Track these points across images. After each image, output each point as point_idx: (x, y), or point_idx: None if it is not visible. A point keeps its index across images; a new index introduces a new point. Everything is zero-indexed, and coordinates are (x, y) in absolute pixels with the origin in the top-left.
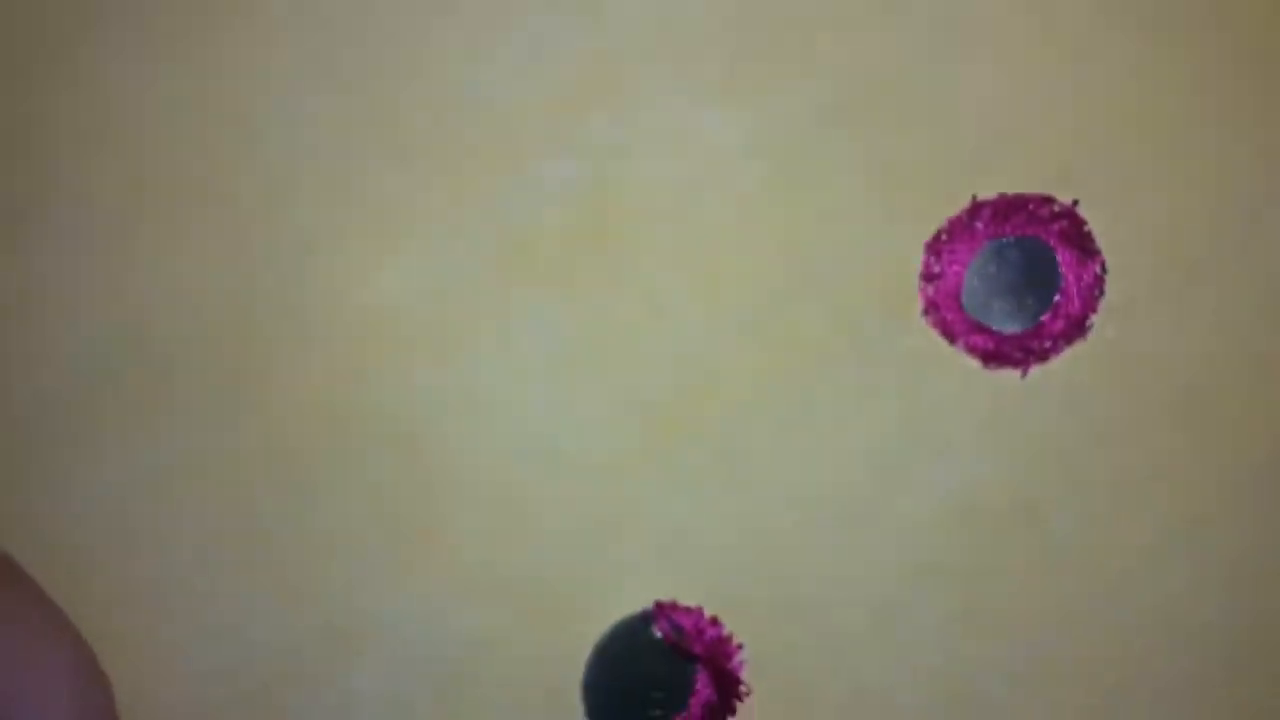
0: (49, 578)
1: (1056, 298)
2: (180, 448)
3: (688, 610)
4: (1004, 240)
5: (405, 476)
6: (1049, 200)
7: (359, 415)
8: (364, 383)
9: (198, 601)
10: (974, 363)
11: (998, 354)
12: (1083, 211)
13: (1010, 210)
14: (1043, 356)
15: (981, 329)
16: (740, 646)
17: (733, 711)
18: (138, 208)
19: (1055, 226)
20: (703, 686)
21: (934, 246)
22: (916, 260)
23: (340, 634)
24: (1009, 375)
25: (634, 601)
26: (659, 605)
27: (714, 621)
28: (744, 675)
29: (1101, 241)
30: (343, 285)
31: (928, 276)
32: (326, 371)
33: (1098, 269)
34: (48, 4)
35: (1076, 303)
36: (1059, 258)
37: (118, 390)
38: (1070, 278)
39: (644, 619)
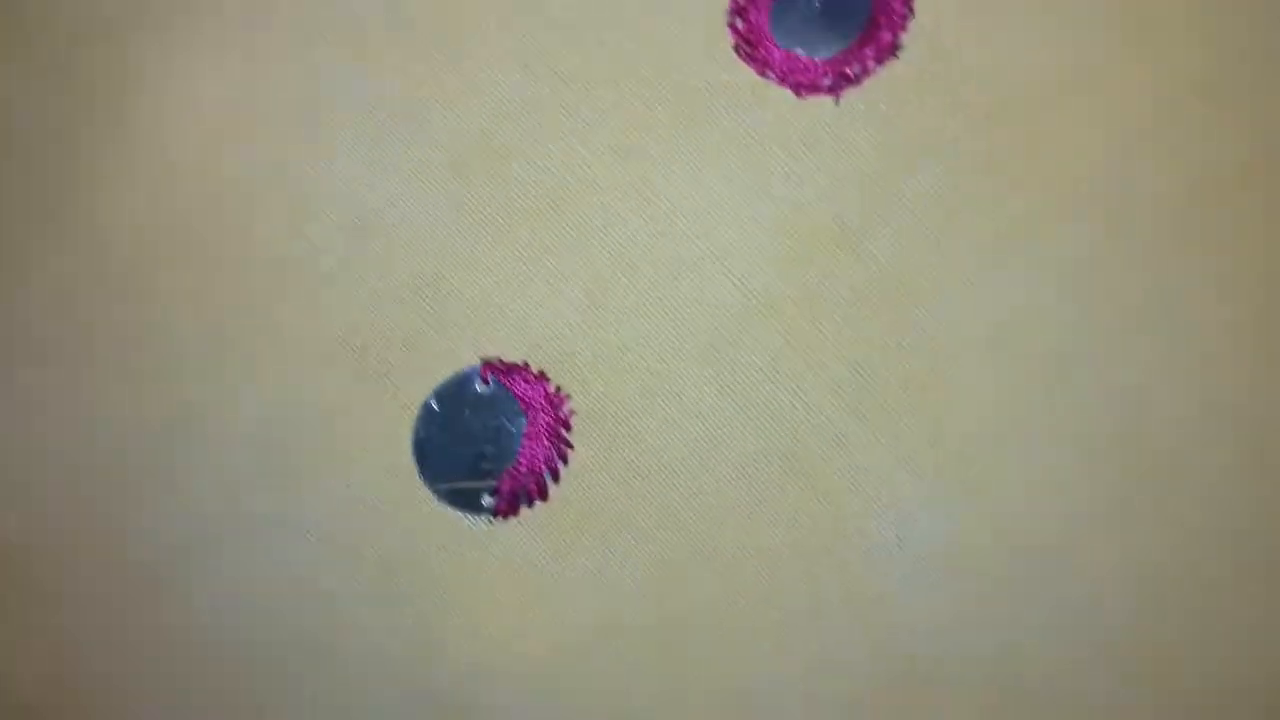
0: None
1: (866, 20)
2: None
3: (512, 366)
4: None
5: (230, 249)
6: None
7: (182, 192)
8: (187, 160)
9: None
10: (788, 93)
11: (811, 83)
12: None
13: None
14: (856, 81)
15: (793, 58)
16: (567, 397)
17: (563, 460)
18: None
19: None
20: (531, 440)
21: None
22: None
23: (181, 423)
24: (823, 102)
25: (458, 360)
26: (485, 362)
27: (540, 376)
28: (573, 425)
29: None
30: (159, 77)
31: (735, 10)
32: (147, 155)
33: None
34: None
35: (885, 25)
36: None
37: None
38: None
39: (470, 375)
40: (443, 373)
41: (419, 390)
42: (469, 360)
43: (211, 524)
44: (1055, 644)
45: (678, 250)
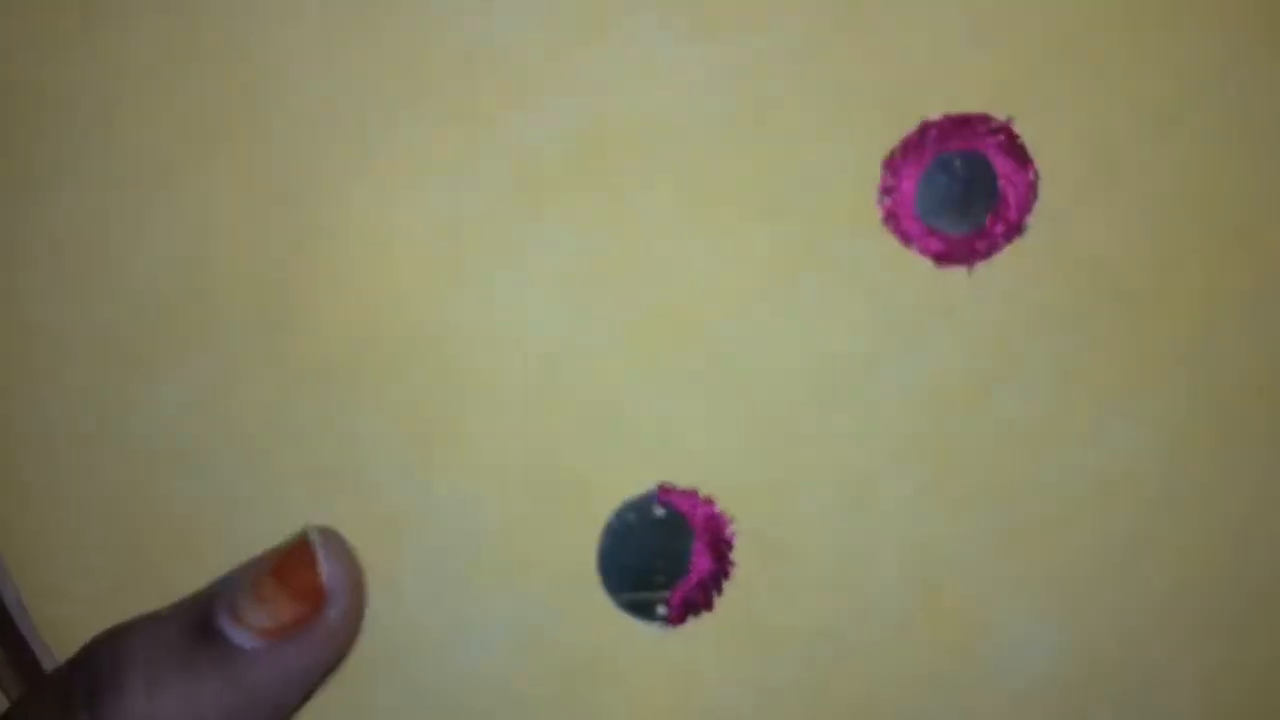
0: (96, 502)
1: (997, 202)
2: (228, 370)
3: (684, 491)
4: (949, 154)
5: (431, 385)
6: (986, 118)
7: (388, 333)
8: (392, 307)
9: (241, 507)
10: (927, 263)
11: (947, 254)
12: (1016, 126)
13: (953, 128)
14: (987, 254)
15: (933, 233)
16: (731, 520)
17: (726, 576)
18: (178, 155)
19: (993, 140)
20: (699, 557)
21: (889, 163)
22: (875, 176)
23: (377, 529)
24: (958, 273)
25: (638, 486)
26: (660, 486)
27: (708, 500)
28: (735, 546)
29: (1035, 152)
30: (370, 219)
31: (885, 190)
32: (358, 298)
33: (1031, 176)
34: None
35: (1014, 207)
36: (997, 168)
37: (170, 322)
38: (1008, 184)
39: (647, 500)
40: (623, 495)
41: (602, 510)
42: (646, 485)
43: (414, 625)
44: None
45: (824, 396)
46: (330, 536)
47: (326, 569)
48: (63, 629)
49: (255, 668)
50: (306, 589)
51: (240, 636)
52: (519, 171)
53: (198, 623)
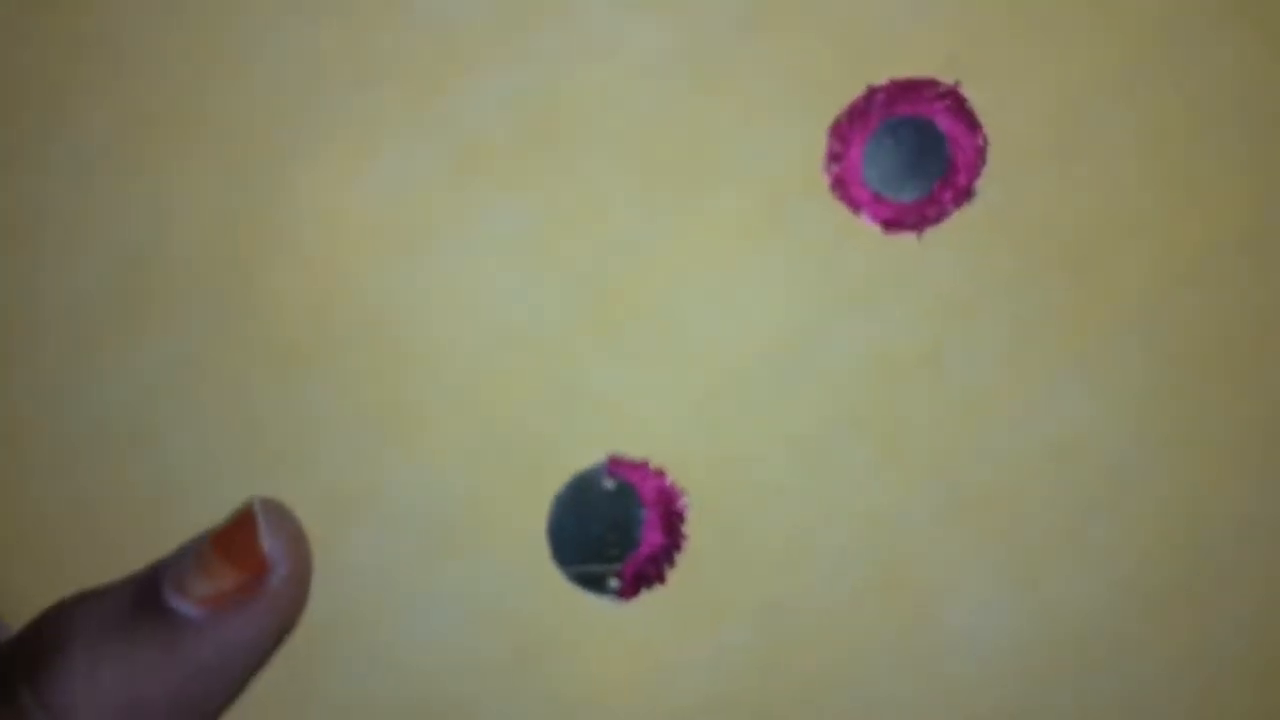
0: (55, 483)
1: (945, 168)
2: (179, 352)
3: (634, 463)
4: (896, 120)
5: (385, 361)
6: (933, 82)
7: (341, 310)
8: (343, 281)
9: (199, 488)
10: (876, 229)
11: (896, 220)
12: (965, 90)
13: (900, 93)
14: (936, 221)
15: (881, 200)
16: (683, 493)
17: (678, 549)
18: (131, 139)
19: (940, 105)
20: (650, 530)
21: (836, 130)
22: (823, 144)
23: (333, 505)
24: (907, 239)
25: (588, 458)
26: (611, 458)
27: (659, 472)
28: (687, 518)
29: (984, 117)
30: (320, 196)
31: (832, 157)
32: (309, 274)
33: (980, 141)
34: None
35: (962, 172)
36: (945, 132)
37: (119, 307)
38: (956, 149)
39: (596, 471)
40: (574, 467)
41: (553, 482)
42: (597, 457)
43: (371, 597)
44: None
45: (776, 365)
46: (272, 506)
47: (268, 538)
48: (23, 609)
49: (198, 638)
50: (248, 558)
51: (183, 606)
52: (468, 145)
53: (142, 595)
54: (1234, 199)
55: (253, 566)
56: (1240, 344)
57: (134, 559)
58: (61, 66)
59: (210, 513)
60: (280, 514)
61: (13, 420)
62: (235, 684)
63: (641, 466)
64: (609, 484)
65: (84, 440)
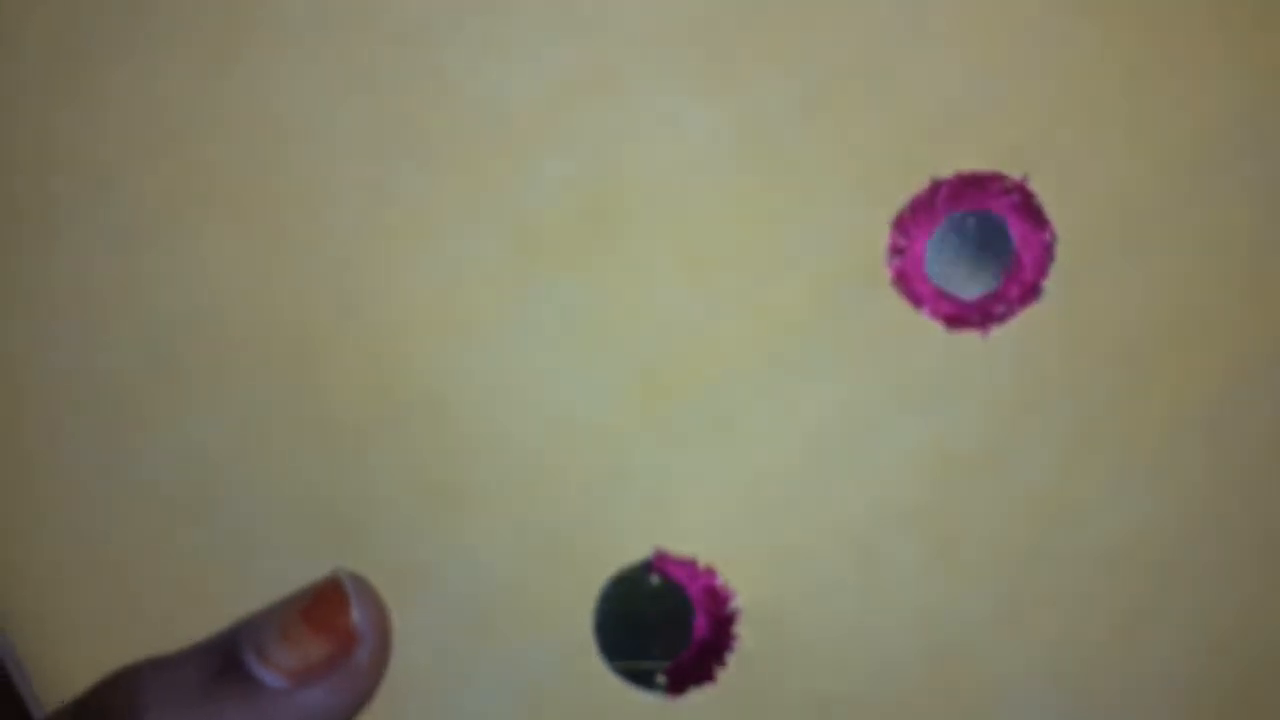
0: (101, 552)
1: (1011, 264)
2: (235, 425)
3: (681, 560)
4: (961, 215)
5: (440, 442)
6: (1000, 176)
7: (398, 390)
8: (400, 362)
9: (247, 561)
10: (939, 326)
11: (960, 317)
12: (1032, 185)
13: (965, 187)
14: (1001, 318)
15: (945, 296)
16: (733, 594)
17: (727, 649)
18: (182, 209)
19: (1007, 200)
20: (699, 629)
21: (899, 223)
22: (884, 236)
23: (382, 584)
24: (971, 336)
25: (636, 547)
26: (656, 554)
27: (708, 570)
28: (738, 620)
29: (1051, 213)
30: (375, 277)
31: (895, 250)
32: (366, 354)
33: (1048, 237)
34: (81, 19)
35: (1029, 269)
36: (1011, 228)
37: (178, 373)
38: (1022, 246)
39: (645, 567)
40: (621, 556)
41: (600, 570)
42: (644, 547)
43: (419, 678)
44: None
45: (829, 462)
46: (360, 580)
47: (357, 611)
48: (68, 681)
49: (281, 708)
50: (337, 630)
51: (268, 675)
52: (522, 228)
53: (221, 662)
54: None
55: (341, 638)
56: None
57: (183, 630)
58: (115, 134)
59: (257, 582)
60: (366, 588)
61: (61, 490)
62: None
63: (690, 565)
64: (655, 581)
65: (136, 508)
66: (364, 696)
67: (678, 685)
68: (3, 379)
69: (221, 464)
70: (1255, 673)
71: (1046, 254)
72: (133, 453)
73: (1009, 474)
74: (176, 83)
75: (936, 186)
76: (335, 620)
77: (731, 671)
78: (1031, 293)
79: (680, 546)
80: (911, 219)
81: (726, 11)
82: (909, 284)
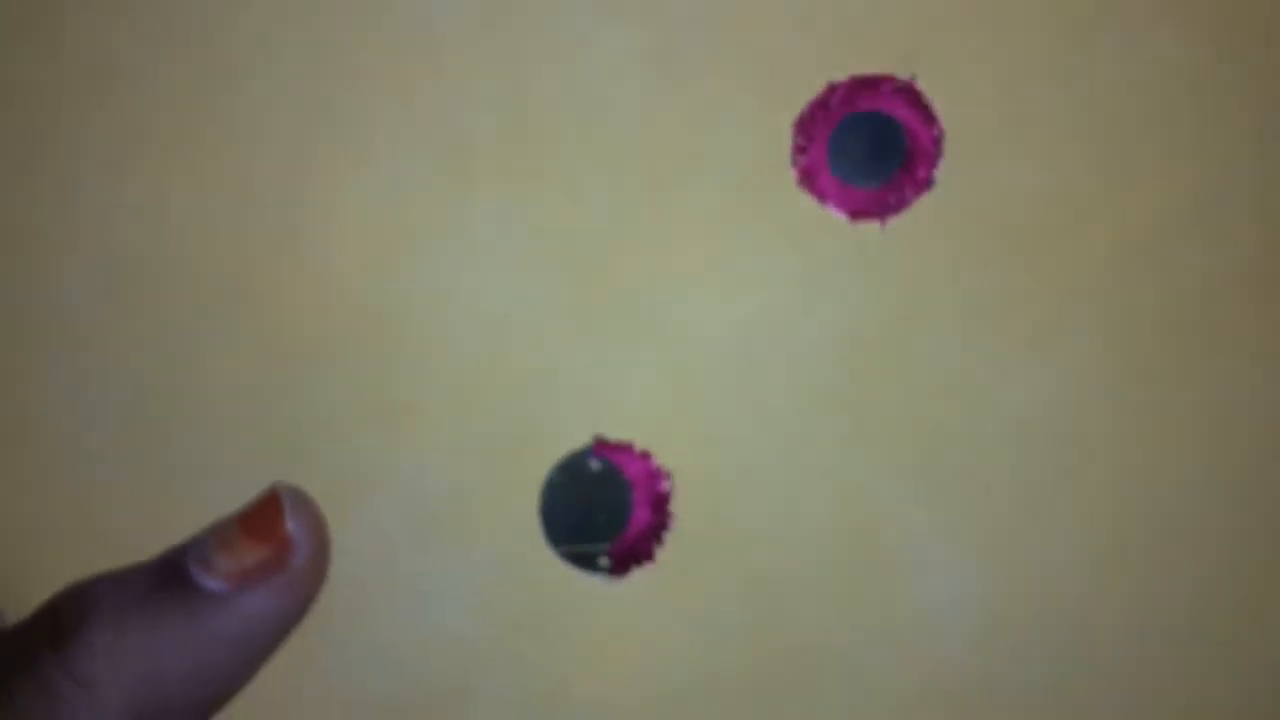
0: (60, 481)
1: (905, 158)
2: (185, 351)
3: (619, 444)
4: (856, 114)
5: (385, 355)
6: (890, 78)
7: (337, 308)
8: (339, 280)
9: (203, 482)
10: (843, 218)
11: (862, 210)
12: (919, 85)
13: (859, 88)
14: (898, 209)
15: (846, 190)
16: (668, 474)
17: (665, 528)
18: (129, 149)
19: (898, 99)
20: (638, 509)
21: (800, 125)
22: (789, 138)
23: (334, 496)
24: (872, 226)
25: (576, 440)
26: (596, 441)
27: (644, 453)
28: (673, 499)
29: (939, 109)
30: (321, 199)
31: (798, 150)
32: (312, 273)
33: (936, 132)
34: None
35: (921, 162)
36: (903, 125)
37: (132, 308)
38: (915, 141)
39: (583, 454)
40: (561, 451)
41: (541, 467)
42: (582, 440)
43: (371, 584)
44: (1078, 681)
45: (752, 349)
46: (294, 491)
47: (292, 519)
48: (29, 602)
49: (221, 611)
50: (272, 537)
51: (208, 580)
52: (452, 147)
53: (166, 572)
54: (1179, 178)
55: (276, 545)
56: (1190, 316)
57: (142, 549)
58: (59, 82)
59: (213, 505)
60: (302, 498)
61: (18, 421)
62: (254, 659)
63: (627, 448)
64: (596, 465)
65: (89, 439)
66: (302, 602)
67: (621, 566)
68: None
69: (172, 392)
70: (1159, 531)
71: (936, 148)
72: (91, 385)
73: (913, 355)
74: (120, 24)
75: (832, 89)
76: (271, 528)
77: (669, 550)
78: (924, 184)
79: (617, 436)
80: (811, 120)
81: None
82: (813, 182)
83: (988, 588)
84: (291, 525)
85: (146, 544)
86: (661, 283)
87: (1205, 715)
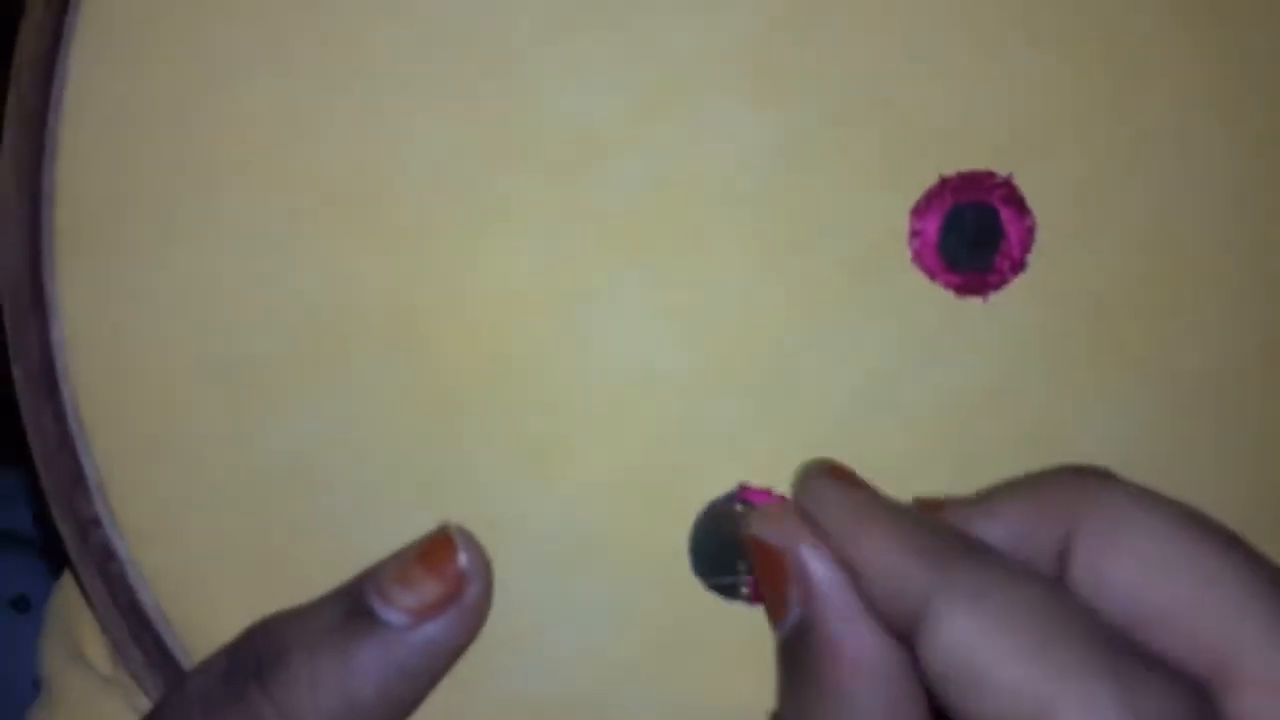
0: (240, 515)
1: (1002, 243)
2: (356, 398)
3: (760, 489)
4: (963, 204)
5: (538, 412)
6: (991, 174)
7: (500, 368)
8: (501, 342)
9: (371, 524)
10: (949, 294)
11: (965, 287)
12: (1016, 181)
13: (965, 183)
14: (997, 287)
15: (952, 269)
16: None
17: None
18: (311, 204)
19: (997, 192)
20: None
21: (915, 212)
22: (904, 223)
23: (492, 535)
24: (975, 301)
25: (718, 488)
26: (740, 486)
27: (780, 497)
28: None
29: (1032, 201)
30: (481, 265)
31: (913, 234)
32: (472, 335)
33: (1029, 222)
34: (216, 31)
35: (1016, 247)
36: (1002, 215)
37: (301, 356)
38: (1011, 229)
39: (730, 497)
40: (705, 495)
41: (688, 508)
42: (725, 486)
43: (524, 612)
44: None
45: (869, 405)
46: (464, 530)
47: (464, 555)
48: (202, 636)
49: (405, 643)
50: (447, 572)
51: (391, 615)
52: (604, 222)
53: (350, 606)
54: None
55: (452, 580)
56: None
57: (308, 589)
58: (229, 141)
59: (379, 543)
60: (470, 536)
61: (196, 461)
62: (430, 685)
63: (765, 492)
64: (739, 507)
65: (262, 480)
66: (474, 632)
67: (758, 594)
68: (149, 364)
69: (341, 437)
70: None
71: (1029, 235)
72: (260, 429)
73: (1011, 412)
74: (293, 88)
75: (944, 182)
76: (446, 564)
77: None
78: (1019, 266)
79: (755, 480)
80: (925, 208)
81: (774, 35)
82: (924, 261)
83: None
84: (464, 560)
85: (312, 583)
86: (794, 345)
87: None
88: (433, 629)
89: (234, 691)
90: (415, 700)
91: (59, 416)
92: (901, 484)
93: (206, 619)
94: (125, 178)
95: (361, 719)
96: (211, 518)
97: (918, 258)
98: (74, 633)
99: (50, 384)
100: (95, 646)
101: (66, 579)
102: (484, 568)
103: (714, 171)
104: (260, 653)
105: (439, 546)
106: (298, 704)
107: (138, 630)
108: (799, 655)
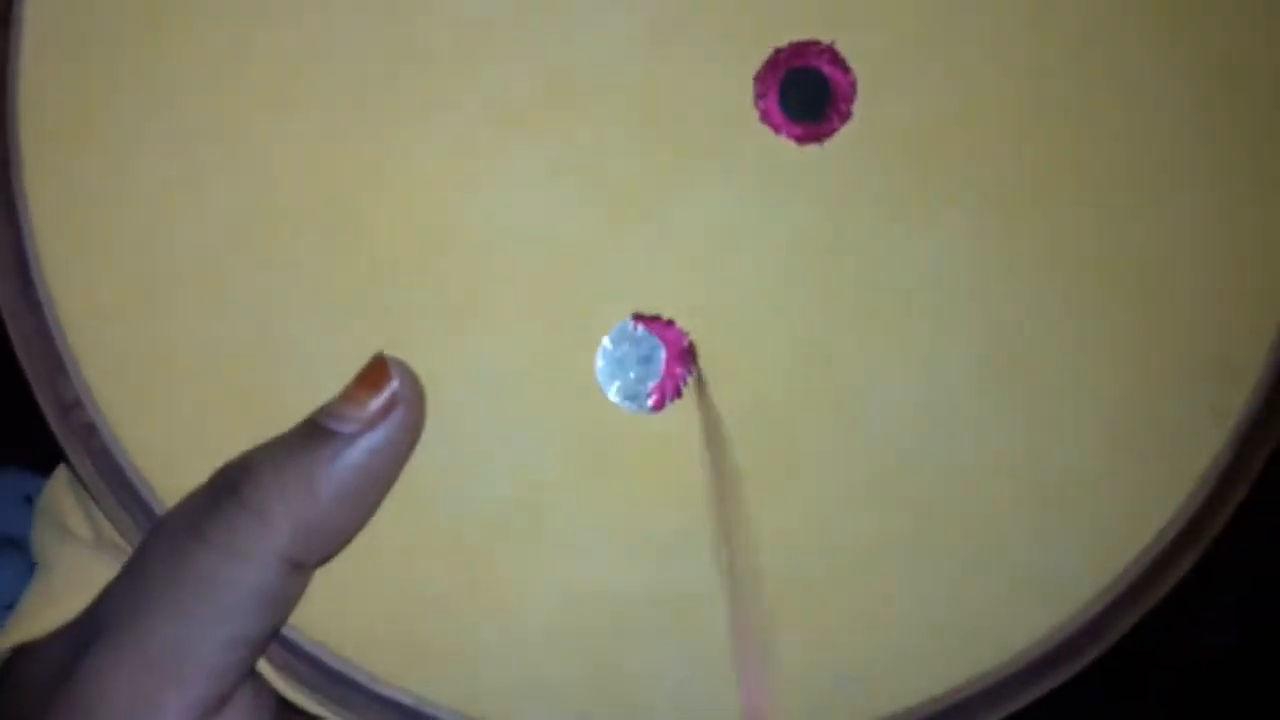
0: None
1: (831, 99)
2: (304, 275)
3: (652, 316)
4: (796, 68)
5: (460, 273)
6: (817, 42)
7: (420, 237)
8: (420, 216)
9: (321, 379)
10: (791, 143)
11: (805, 136)
12: (839, 46)
13: (796, 51)
14: (830, 134)
15: (793, 123)
16: (688, 334)
17: (689, 373)
18: (249, 113)
19: (824, 57)
20: (669, 358)
21: (757, 78)
22: (750, 89)
23: (425, 377)
24: (815, 148)
25: (617, 317)
26: (634, 315)
27: (669, 321)
28: (693, 354)
29: (853, 62)
30: (396, 151)
31: (758, 96)
32: (396, 214)
33: (852, 78)
34: None
35: (843, 101)
36: (828, 76)
37: (250, 243)
38: (836, 87)
39: (626, 325)
40: (603, 331)
41: (591, 341)
42: (622, 317)
43: (458, 445)
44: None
45: (728, 242)
46: (395, 357)
47: (396, 369)
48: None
49: (357, 446)
50: (384, 385)
51: (342, 426)
52: (499, 107)
53: (307, 429)
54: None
55: (388, 392)
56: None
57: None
58: (175, 62)
59: (312, 377)
60: (400, 361)
61: (162, 342)
62: (381, 486)
63: (657, 318)
64: (638, 332)
65: (224, 356)
66: (411, 439)
67: (659, 402)
68: (119, 258)
69: (293, 308)
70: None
71: (852, 89)
72: (226, 309)
73: (851, 242)
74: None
75: (778, 51)
76: (382, 379)
77: (689, 391)
78: (846, 116)
79: (644, 310)
80: (765, 74)
81: None
82: (770, 118)
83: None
84: (396, 374)
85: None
86: (671, 197)
87: None
88: (380, 433)
89: (212, 507)
90: (369, 500)
91: (34, 306)
92: (758, 310)
93: (187, 483)
94: (87, 93)
95: (326, 517)
96: (183, 390)
97: (764, 116)
98: (60, 515)
99: (25, 278)
100: (78, 518)
101: (51, 481)
102: (413, 380)
103: (591, 58)
104: (233, 475)
105: (375, 368)
106: (270, 508)
107: (126, 500)
108: None
